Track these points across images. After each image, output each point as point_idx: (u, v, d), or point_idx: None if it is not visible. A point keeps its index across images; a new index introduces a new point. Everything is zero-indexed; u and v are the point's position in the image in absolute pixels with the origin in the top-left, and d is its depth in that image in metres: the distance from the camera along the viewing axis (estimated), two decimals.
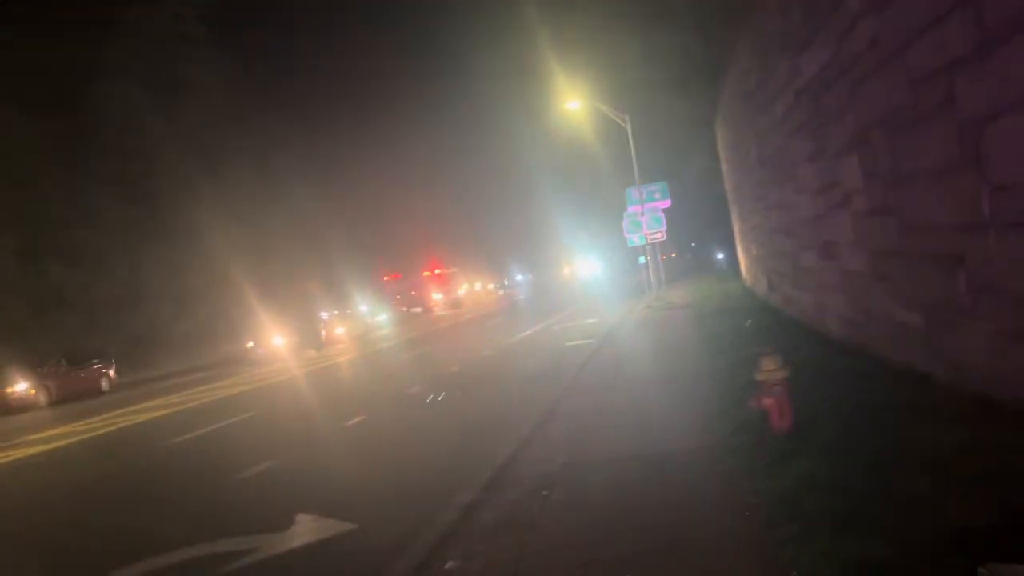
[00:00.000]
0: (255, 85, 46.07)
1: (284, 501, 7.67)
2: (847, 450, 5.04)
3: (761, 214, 16.60)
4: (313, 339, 28.12)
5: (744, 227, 22.00)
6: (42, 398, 25.40)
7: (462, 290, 60.99)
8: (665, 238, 27.55)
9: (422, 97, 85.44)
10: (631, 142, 28.39)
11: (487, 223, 72.43)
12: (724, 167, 26.61)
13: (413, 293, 56.36)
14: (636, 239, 27.22)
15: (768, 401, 5.81)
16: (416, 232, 60.67)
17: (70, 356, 27.77)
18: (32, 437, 17.08)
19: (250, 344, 30.37)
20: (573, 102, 29.50)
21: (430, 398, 13.56)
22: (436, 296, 55.86)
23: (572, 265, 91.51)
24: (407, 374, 18.71)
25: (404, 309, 53.47)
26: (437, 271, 59.45)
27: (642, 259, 29.37)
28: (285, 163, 44.08)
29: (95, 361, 28.65)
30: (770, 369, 5.82)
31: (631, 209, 27.53)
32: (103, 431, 16.49)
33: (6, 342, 31.29)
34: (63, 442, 15.47)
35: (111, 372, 28.86)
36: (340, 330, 34.84)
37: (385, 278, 59.34)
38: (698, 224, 55.98)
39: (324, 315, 35.54)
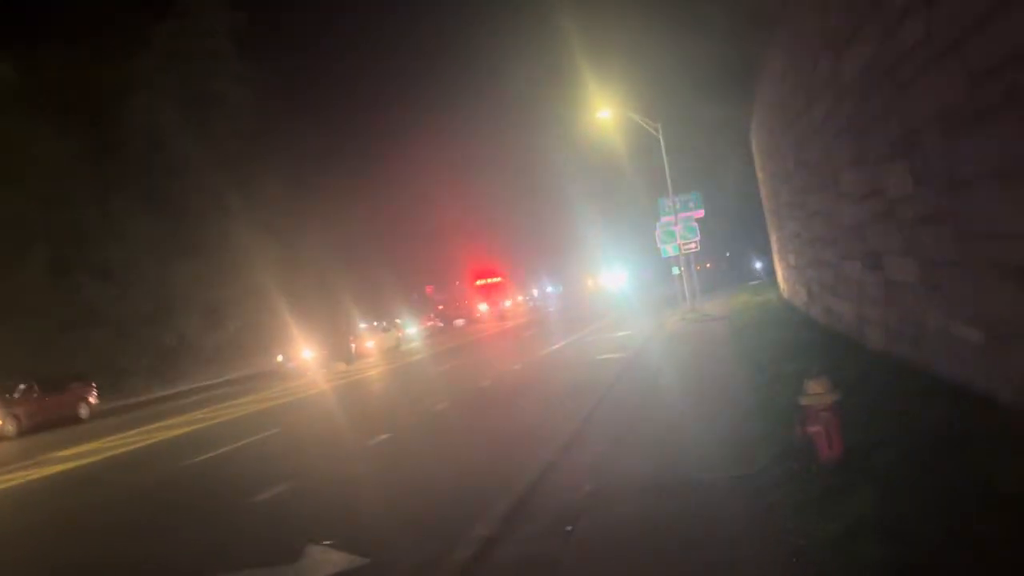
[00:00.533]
0: (286, 99, 46.15)
1: (296, 528, 7.28)
2: (907, 485, 4.49)
3: (800, 222, 15.98)
4: (343, 352, 27.82)
5: (782, 236, 21.33)
6: (10, 428, 22.93)
7: (508, 301, 59.76)
8: (699, 248, 26.92)
9: (452, 106, 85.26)
10: (663, 151, 27.85)
11: (517, 234, 71.95)
12: (760, 175, 25.94)
13: (458, 304, 55.65)
14: (670, 249, 26.62)
15: (815, 427, 5.29)
16: (448, 243, 60.23)
17: (44, 380, 25.29)
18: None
19: (280, 358, 30.17)
20: (604, 111, 29.04)
21: (454, 414, 13.13)
22: (482, 307, 54.89)
23: (597, 277, 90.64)
24: (437, 389, 18.30)
25: (439, 323, 52.71)
26: (491, 280, 58.67)
27: (676, 269, 28.74)
28: (317, 176, 44.10)
29: (74, 384, 26.33)
30: (817, 392, 5.30)
31: (664, 219, 26.97)
32: (97, 458, 16.29)
33: (36, 356, 31.57)
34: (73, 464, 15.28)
35: (91, 397, 26.51)
36: (370, 343, 34.61)
37: (429, 289, 58.93)
38: (733, 233, 54.95)
39: (362, 326, 35.35)
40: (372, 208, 53.27)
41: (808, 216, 14.51)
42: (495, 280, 59.38)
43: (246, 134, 42.06)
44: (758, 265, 44.50)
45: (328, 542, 6.55)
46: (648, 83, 35.02)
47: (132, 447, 16.51)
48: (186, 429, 18.14)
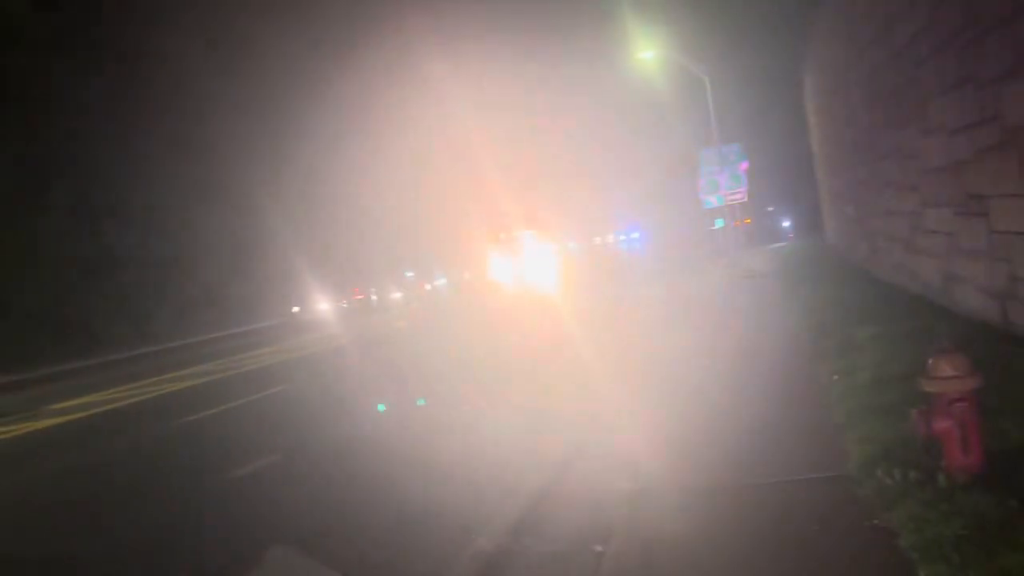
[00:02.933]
0: (318, 38, 44.44)
1: (266, 520, 6.01)
2: None
3: (865, 167, 14.22)
4: (364, 304, 26.48)
5: (837, 185, 19.51)
6: None
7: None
8: (745, 199, 25.12)
9: (480, 40, 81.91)
10: (709, 99, 25.92)
11: (547, 184, 69.05)
12: (812, 119, 23.98)
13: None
14: (713, 200, 24.88)
15: (944, 423, 3.81)
16: (477, 193, 57.84)
17: None
18: None
19: (295, 309, 29.15)
20: (647, 52, 27.03)
21: (475, 383, 11.76)
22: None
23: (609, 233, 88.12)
24: (459, 351, 17.00)
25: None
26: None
27: (719, 222, 26.97)
28: (351, 118, 42.51)
29: None
30: (948, 374, 3.81)
31: (706, 169, 25.22)
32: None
33: (58, 300, 30.92)
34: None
35: None
36: (398, 295, 33.34)
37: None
38: (774, 191, 52.36)
39: (409, 274, 34.18)
40: (406, 150, 51.64)
41: (877, 159, 12.77)
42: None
43: (278, 77, 40.73)
44: (786, 224, 42.17)
45: (298, 545, 5.24)
46: (693, 28, 32.82)
47: (133, 400, 15.53)
48: (192, 382, 17.15)
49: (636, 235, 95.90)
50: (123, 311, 30.50)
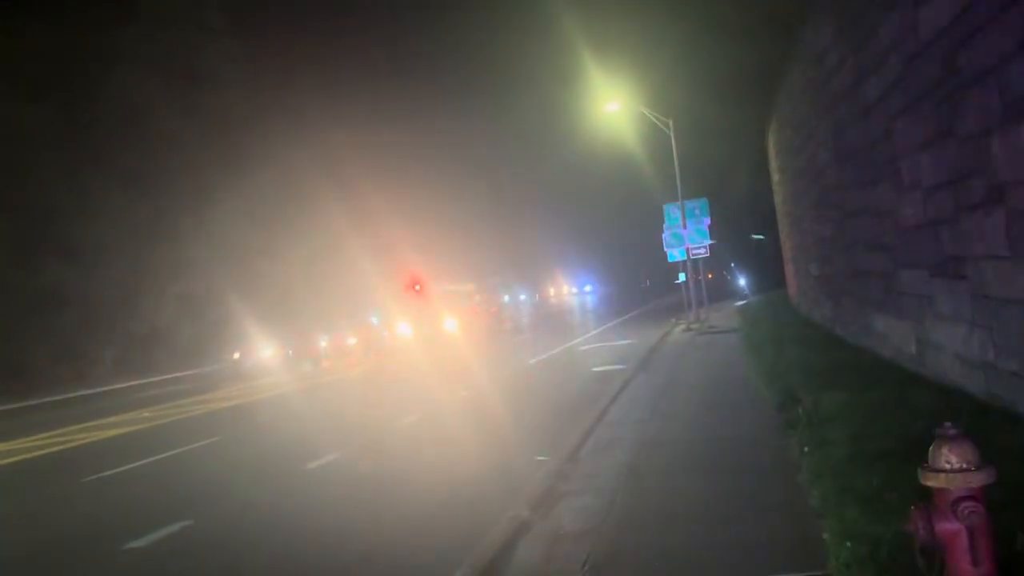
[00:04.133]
0: (277, 81, 43.72)
1: None
2: None
3: (832, 224, 13.85)
4: (309, 352, 25.39)
5: (802, 243, 19.21)
6: None
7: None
8: (708, 254, 24.81)
9: (443, 91, 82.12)
10: (674, 152, 25.75)
11: (487, 234, 67.91)
12: (776, 177, 23.86)
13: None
14: (677, 253, 24.53)
15: (950, 525, 3.15)
16: (432, 242, 56.84)
17: None
18: None
19: (236, 355, 28.12)
20: (612, 104, 26.83)
21: (415, 433, 10.98)
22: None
23: (562, 284, 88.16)
24: (407, 397, 16.19)
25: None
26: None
27: (682, 276, 26.59)
28: (304, 164, 41.81)
29: None
30: (953, 466, 3.16)
31: (672, 223, 24.95)
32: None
33: None
34: None
35: None
36: (352, 340, 32.33)
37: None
38: (737, 246, 52.46)
39: (375, 321, 33.30)
40: (362, 200, 50.97)
41: (845, 216, 12.39)
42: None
43: (234, 116, 39.83)
44: (742, 282, 42.08)
45: None
46: (658, 85, 32.86)
47: (51, 449, 14.41)
48: (121, 430, 16.07)
49: (589, 287, 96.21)
50: (66, 351, 29.09)
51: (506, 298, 54.09)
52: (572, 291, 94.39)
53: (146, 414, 18.69)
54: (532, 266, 77.93)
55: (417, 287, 29.77)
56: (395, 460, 9.91)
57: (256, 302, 30.46)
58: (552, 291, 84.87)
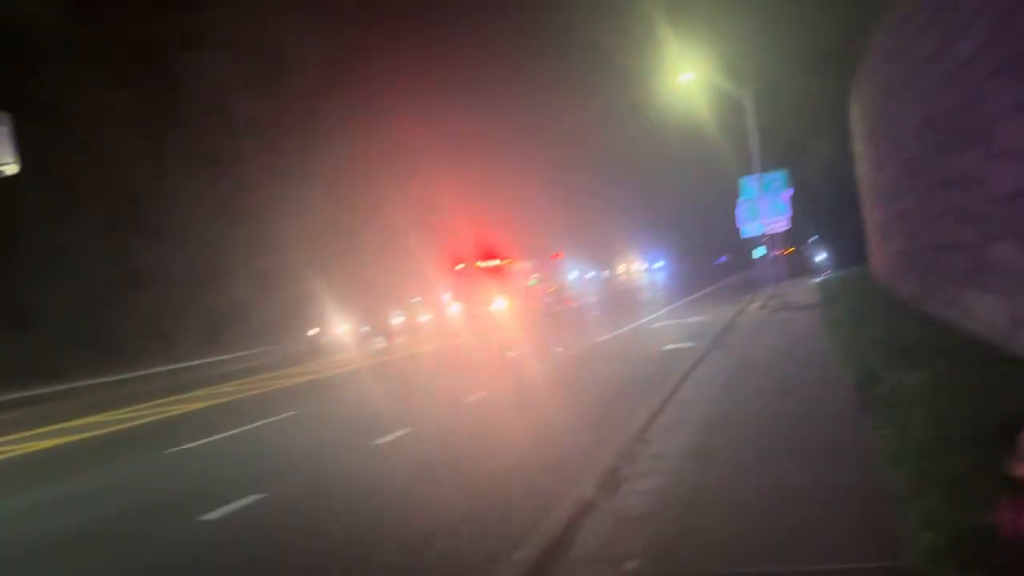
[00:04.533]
0: (352, 61, 44.20)
1: None
2: None
3: (916, 195, 13.20)
4: (383, 329, 25.43)
5: (885, 217, 18.43)
6: None
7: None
8: (787, 228, 24.05)
9: (517, 66, 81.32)
10: (750, 123, 24.97)
11: (556, 212, 66.91)
12: (859, 146, 22.91)
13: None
14: (753, 228, 23.87)
15: None
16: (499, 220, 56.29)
17: None
18: None
19: (312, 331, 28.67)
20: (686, 75, 26.14)
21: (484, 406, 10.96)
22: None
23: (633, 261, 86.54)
24: (476, 375, 16.25)
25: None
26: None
27: (758, 251, 25.86)
28: (378, 142, 42.26)
29: None
30: None
31: (746, 196, 24.28)
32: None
33: (85, 317, 30.71)
34: None
35: None
36: (425, 317, 32.50)
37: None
38: (817, 220, 50.62)
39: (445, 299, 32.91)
40: (439, 179, 51.28)
41: (931, 186, 11.77)
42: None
43: (310, 95, 40.55)
44: (821, 257, 39.47)
45: None
46: (735, 55, 31.80)
47: (140, 421, 15.00)
48: (203, 404, 16.59)
49: (660, 263, 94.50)
50: (149, 328, 30.16)
51: (571, 276, 52.61)
52: (643, 268, 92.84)
53: (227, 388, 19.23)
54: (604, 243, 77.08)
55: (467, 265, 29.14)
56: (463, 436, 9.91)
57: (332, 279, 30.94)
58: (623, 268, 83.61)
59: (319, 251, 38.25)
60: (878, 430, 6.40)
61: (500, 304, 28.08)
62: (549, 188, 65.25)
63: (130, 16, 34.61)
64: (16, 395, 23.81)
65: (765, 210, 23.44)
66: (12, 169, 11.41)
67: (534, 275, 31.26)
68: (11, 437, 14.57)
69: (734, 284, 42.39)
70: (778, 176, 24.78)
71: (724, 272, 60.75)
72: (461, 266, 30.05)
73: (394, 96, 46.24)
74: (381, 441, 9.74)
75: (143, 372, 26.55)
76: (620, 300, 40.25)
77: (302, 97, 40.09)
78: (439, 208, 50.34)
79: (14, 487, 10.20)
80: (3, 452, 13.06)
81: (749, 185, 24.65)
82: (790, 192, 24.25)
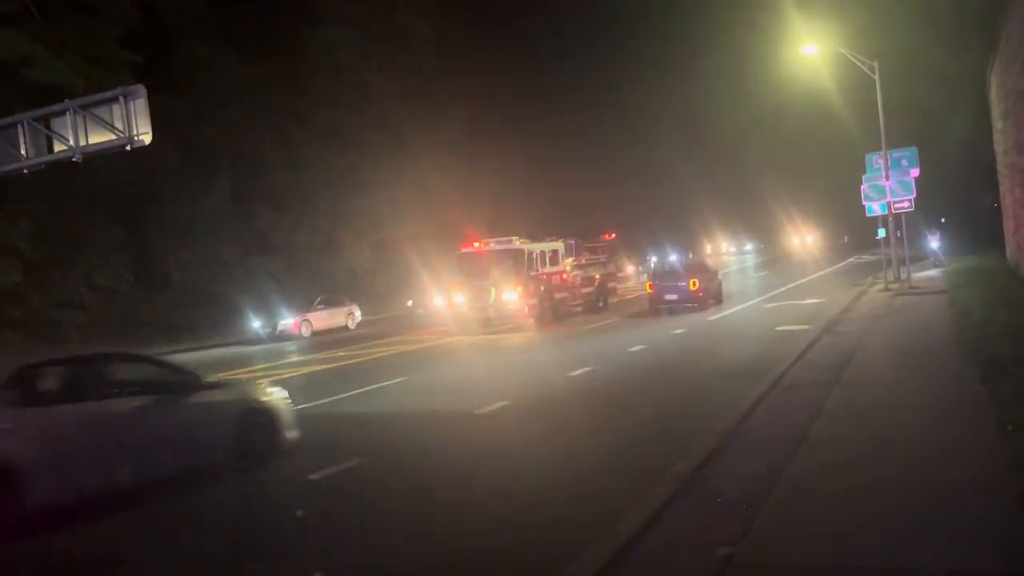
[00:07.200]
0: (469, 36, 44.43)
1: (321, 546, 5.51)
2: None
3: None
4: (483, 303, 24.87)
5: None
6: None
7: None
8: (912, 208, 22.88)
9: (636, 46, 79.44)
10: (879, 98, 23.78)
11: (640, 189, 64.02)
12: (999, 124, 21.52)
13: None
14: (876, 207, 22.84)
15: None
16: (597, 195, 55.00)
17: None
18: None
19: (410, 303, 29.17)
20: (809, 47, 25.08)
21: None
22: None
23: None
24: (576, 350, 16.38)
25: None
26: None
27: (881, 231, 24.68)
28: (490, 115, 42.41)
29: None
30: None
31: (872, 174, 23.26)
32: None
33: (216, 279, 32.44)
34: None
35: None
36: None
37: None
38: (947, 201, 47.59)
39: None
40: (549, 153, 51.22)
41: None
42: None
43: (425, 69, 41.07)
44: (934, 245, 36.58)
45: None
46: (861, 26, 30.12)
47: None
48: (317, 367, 17.39)
49: (750, 246, 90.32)
50: (275, 293, 31.59)
51: (628, 264, 47.48)
52: (731, 251, 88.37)
53: (341, 353, 19.95)
54: (704, 224, 74.51)
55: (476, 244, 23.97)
56: (561, 410, 10.03)
57: (444, 250, 31.40)
58: (710, 250, 79.60)
59: (432, 221, 39.11)
60: (1002, 426, 6.07)
61: (509, 296, 22.05)
62: (656, 166, 63.69)
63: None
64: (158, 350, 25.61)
65: (891, 188, 22.35)
66: (147, 139, 12.10)
67: (569, 260, 24.58)
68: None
69: (856, 266, 40.78)
70: (907, 153, 23.60)
71: (847, 252, 58.40)
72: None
73: (506, 71, 46.22)
74: (482, 411, 9.92)
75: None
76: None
77: (418, 72, 40.62)
78: (549, 182, 50.32)
79: None
80: None
81: (875, 162, 23.58)
82: (915, 172, 23.05)
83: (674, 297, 22.58)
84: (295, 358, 20.48)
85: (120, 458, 6.62)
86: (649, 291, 23.50)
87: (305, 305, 29.19)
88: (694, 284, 22.21)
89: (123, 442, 6.63)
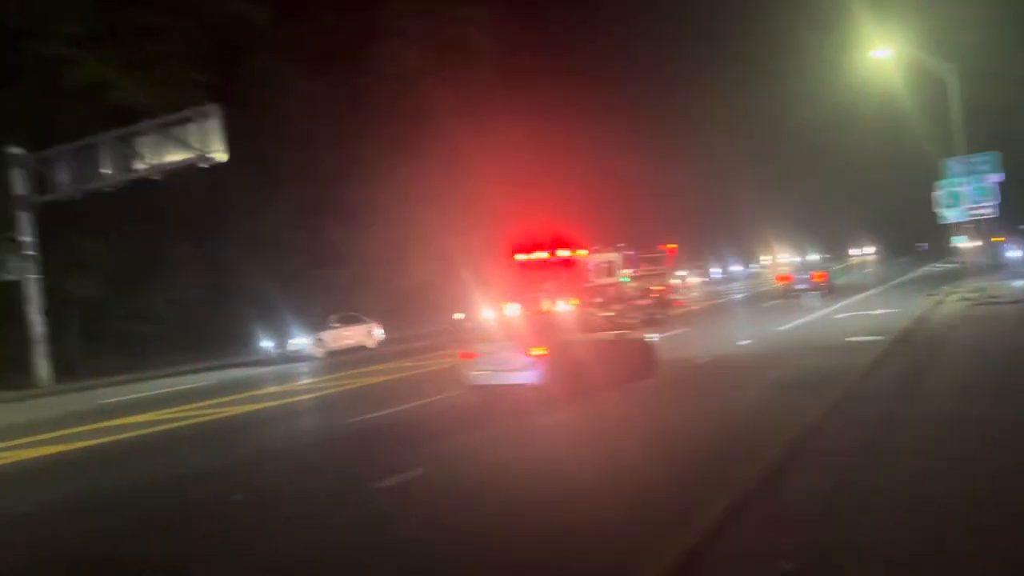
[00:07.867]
0: (527, 47, 44.76)
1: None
2: None
3: None
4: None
5: None
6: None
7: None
8: (997, 214, 21.95)
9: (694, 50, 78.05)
10: (954, 101, 23.04)
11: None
12: None
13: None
14: (953, 214, 22.02)
15: None
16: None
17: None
18: None
19: (458, 315, 28.77)
20: (881, 50, 24.42)
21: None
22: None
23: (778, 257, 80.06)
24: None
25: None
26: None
27: (959, 239, 23.82)
28: (553, 128, 42.56)
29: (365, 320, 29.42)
30: None
31: (948, 180, 22.51)
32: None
33: (284, 291, 33.19)
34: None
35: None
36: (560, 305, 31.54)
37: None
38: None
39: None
40: (612, 164, 51.02)
41: None
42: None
43: (486, 82, 41.40)
44: (1013, 254, 34.65)
45: None
46: (935, 28, 29.21)
47: (328, 391, 16.23)
48: (383, 378, 17.55)
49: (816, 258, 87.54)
50: (342, 305, 32.02)
51: (685, 274, 45.30)
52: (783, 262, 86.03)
53: (407, 363, 20.18)
54: (762, 235, 73.09)
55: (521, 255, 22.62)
56: (622, 421, 10.01)
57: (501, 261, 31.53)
58: (770, 260, 77.35)
59: (494, 234, 39.28)
60: None
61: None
62: (713, 174, 62.76)
63: (322, 11, 36.81)
64: (215, 362, 26.38)
65: (970, 195, 21.57)
66: (222, 157, 12.47)
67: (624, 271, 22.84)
68: (205, 403, 15.73)
69: (931, 275, 39.48)
70: (987, 158, 22.77)
71: (918, 262, 56.56)
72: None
73: (568, 83, 46.30)
74: (544, 423, 9.89)
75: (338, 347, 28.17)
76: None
77: (479, 86, 40.97)
78: (614, 194, 50.07)
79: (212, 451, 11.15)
80: (200, 416, 14.24)
81: (953, 168, 22.75)
82: (998, 177, 22.17)
83: (804, 287, 31.66)
84: (362, 368, 20.61)
85: None
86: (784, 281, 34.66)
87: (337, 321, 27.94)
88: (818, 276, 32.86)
89: None
